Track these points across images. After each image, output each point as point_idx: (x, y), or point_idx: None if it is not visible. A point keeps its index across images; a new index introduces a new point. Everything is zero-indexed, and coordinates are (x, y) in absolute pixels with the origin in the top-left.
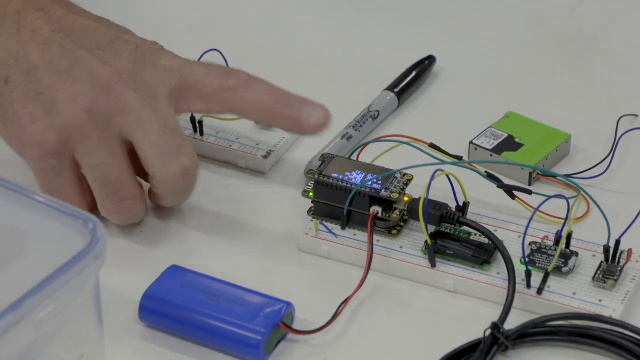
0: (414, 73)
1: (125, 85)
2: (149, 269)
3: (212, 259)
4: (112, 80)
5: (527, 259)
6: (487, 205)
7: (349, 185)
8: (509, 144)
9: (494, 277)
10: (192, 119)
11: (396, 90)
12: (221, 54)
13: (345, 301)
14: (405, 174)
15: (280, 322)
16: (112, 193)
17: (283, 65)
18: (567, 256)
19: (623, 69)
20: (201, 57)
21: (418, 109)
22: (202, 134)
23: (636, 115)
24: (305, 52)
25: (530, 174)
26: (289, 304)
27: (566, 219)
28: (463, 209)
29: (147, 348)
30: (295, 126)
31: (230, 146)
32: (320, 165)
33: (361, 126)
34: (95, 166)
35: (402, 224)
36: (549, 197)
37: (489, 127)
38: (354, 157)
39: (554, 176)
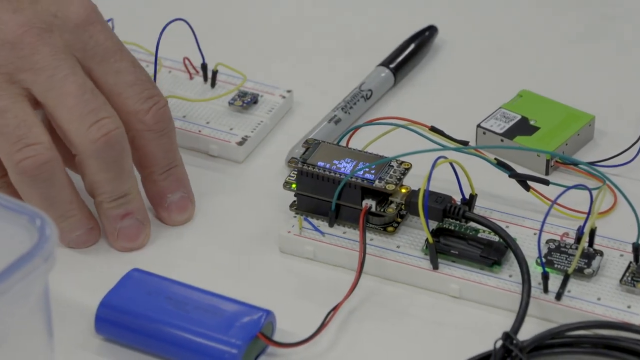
0: (412, 46)
1: (36, 37)
2: (107, 273)
3: (180, 261)
4: (20, 30)
5: (543, 259)
6: (497, 197)
7: (337, 176)
8: (523, 127)
9: (506, 280)
10: None
11: (392, 65)
12: (188, 24)
13: (334, 309)
14: (402, 162)
15: (258, 333)
16: (16, 140)
17: (259, 37)
18: (590, 256)
19: None
20: (166, 26)
21: (417, 87)
22: None
23: None
24: (285, 21)
25: (548, 161)
26: (268, 313)
27: (589, 213)
28: (469, 202)
29: None
30: (156, 204)
31: (200, 131)
32: (304, 153)
33: (351, 107)
34: None
35: (399, 219)
36: (569, 188)
37: (500, 107)
38: (343, 143)
39: (575, 164)
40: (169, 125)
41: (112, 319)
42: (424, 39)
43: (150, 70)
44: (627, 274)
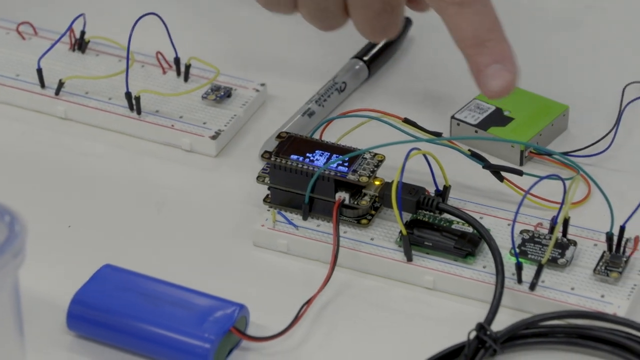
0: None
1: None
2: (79, 270)
3: (152, 256)
4: None
5: (517, 250)
6: (471, 188)
7: (310, 169)
8: (497, 118)
9: (480, 271)
10: (128, 95)
11: (366, 58)
12: (160, 18)
13: (308, 302)
14: (375, 154)
15: (232, 328)
16: None
17: (232, 30)
18: (563, 246)
19: (629, 29)
20: (137, 21)
21: (391, 79)
22: (139, 112)
23: None
24: (258, 14)
25: (522, 152)
26: (241, 307)
27: (562, 203)
28: (443, 193)
29: None
30: (476, 80)
31: (173, 126)
32: (277, 146)
33: (325, 100)
34: None
35: (372, 212)
36: (542, 178)
37: (474, 98)
38: (316, 136)
39: (549, 154)
40: None
41: (84, 316)
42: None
43: (122, 65)
44: (601, 264)
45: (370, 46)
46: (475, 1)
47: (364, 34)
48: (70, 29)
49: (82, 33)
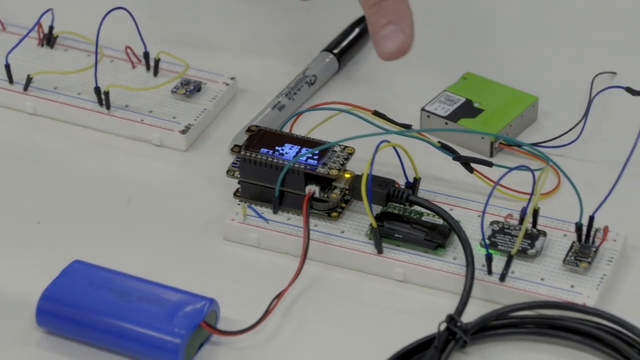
0: (356, 30)
1: None
2: (48, 266)
3: (122, 251)
4: None
5: (487, 241)
6: (441, 180)
7: (280, 162)
8: (467, 110)
9: (450, 263)
10: (97, 90)
11: (336, 51)
12: (129, 12)
13: (278, 296)
14: (345, 147)
15: (202, 322)
16: None
17: (202, 24)
18: (533, 236)
19: (598, 20)
20: (106, 15)
21: (362, 72)
22: (108, 107)
23: (614, 73)
24: (228, 7)
25: (492, 143)
26: (212, 301)
27: (532, 194)
28: (413, 185)
29: (46, 358)
30: (372, 40)
31: (142, 120)
32: (246, 140)
33: (295, 94)
34: None
35: (343, 204)
36: (511, 169)
37: (444, 90)
38: (286, 129)
39: (519, 145)
40: None
41: (54, 312)
42: None
43: (91, 60)
44: (570, 254)
45: (341, 39)
46: None
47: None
48: (38, 23)
49: (51, 28)
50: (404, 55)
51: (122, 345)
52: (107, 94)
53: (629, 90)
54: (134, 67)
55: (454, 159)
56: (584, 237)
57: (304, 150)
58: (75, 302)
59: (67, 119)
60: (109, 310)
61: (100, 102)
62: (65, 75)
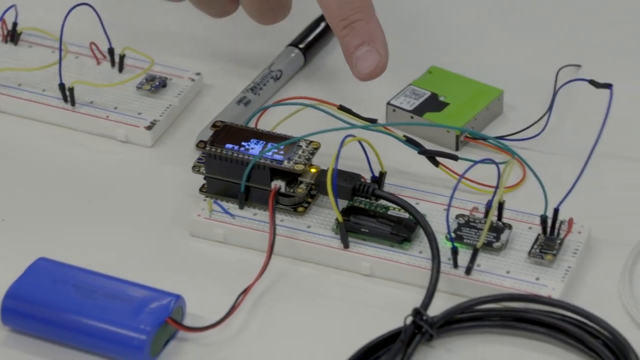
0: (322, 25)
1: None
2: (13, 263)
3: (88, 248)
4: None
5: (453, 235)
6: (407, 174)
7: (245, 157)
8: (432, 104)
9: (416, 256)
10: (62, 86)
11: (301, 45)
12: (93, 8)
13: (245, 291)
14: (310, 142)
15: (168, 318)
16: None
17: (166, 19)
18: (499, 229)
19: (562, 12)
20: (70, 11)
21: (327, 66)
22: (73, 103)
23: (579, 66)
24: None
25: (457, 137)
26: (178, 297)
27: (496, 187)
28: (379, 179)
29: (11, 356)
30: (347, 62)
31: (107, 117)
32: (212, 135)
33: (261, 89)
34: None
35: (309, 199)
36: (476, 162)
37: (409, 84)
38: (251, 124)
39: (484, 139)
40: None
41: (19, 310)
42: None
43: (56, 56)
44: (536, 246)
45: (306, 34)
46: None
47: (254, 19)
48: (1, 20)
49: (14, 24)
50: (381, 74)
51: (88, 343)
52: (71, 90)
53: (593, 82)
54: (98, 63)
55: (419, 152)
56: (549, 229)
57: (269, 145)
58: (40, 299)
59: (32, 115)
60: (74, 308)
61: (65, 99)
62: (30, 71)
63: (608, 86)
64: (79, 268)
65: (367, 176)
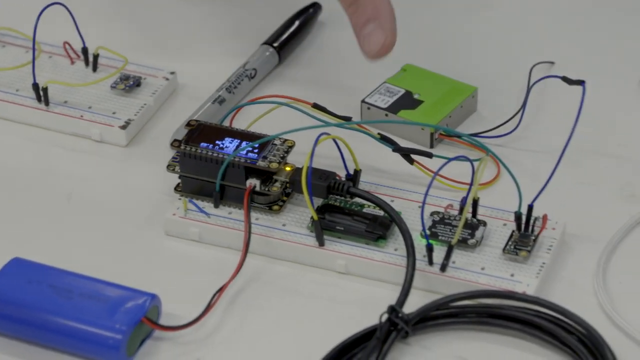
0: (296, 23)
1: None
2: None
3: (63, 248)
4: None
5: (427, 232)
6: (382, 172)
7: (220, 156)
8: (407, 101)
9: (391, 254)
10: (35, 86)
11: (276, 44)
12: (66, 8)
13: (220, 290)
14: (285, 140)
15: (143, 318)
16: None
17: (140, 18)
18: (473, 226)
19: (536, 9)
20: (43, 10)
21: (302, 65)
22: (47, 103)
23: (552, 63)
24: (167, 1)
25: (432, 134)
26: (153, 296)
27: (471, 184)
28: (354, 177)
29: None
30: (357, 41)
31: (82, 116)
32: (186, 134)
33: (235, 87)
34: None
35: (284, 198)
36: (450, 160)
37: (384, 82)
38: (226, 123)
39: (459, 136)
40: None
41: None
42: (307, 16)
43: (29, 56)
44: (510, 243)
45: (280, 32)
46: None
47: None
48: None
49: None
50: (389, 52)
51: (63, 343)
52: (45, 90)
53: (565, 79)
54: (72, 62)
55: (393, 150)
56: (523, 226)
57: (244, 144)
58: (15, 300)
59: (6, 115)
60: (49, 308)
61: (38, 99)
62: (3, 71)
63: (581, 83)
64: (53, 268)
65: (342, 174)
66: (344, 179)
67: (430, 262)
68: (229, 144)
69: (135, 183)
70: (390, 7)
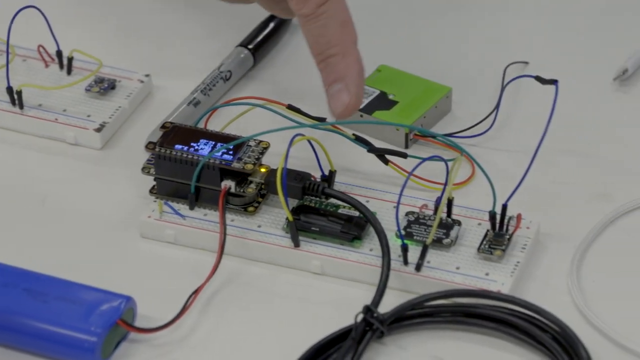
0: (271, 25)
1: None
2: None
3: (38, 251)
4: None
5: (402, 232)
6: (357, 172)
7: (195, 158)
8: (382, 102)
9: (367, 254)
10: (9, 90)
11: (250, 46)
12: (40, 11)
13: (196, 292)
14: (260, 141)
15: (118, 320)
16: None
17: (115, 21)
18: (448, 226)
19: (509, 10)
20: (16, 14)
21: (277, 66)
22: (21, 106)
23: (526, 63)
24: (141, 4)
25: (407, 134)
26: (128, 299)
27: (445, 184)
28: (329, 178)
29: None
30: (325, 94)
31: (56, 119)
32: (161, 137)
33: (210, 89)
34: None
35: (259, 199)
36: (424, 160)
37: None
38: (201, 125)
39: (433, 136)
40: (316, 11)
41: None
42: (282, 18)
43: (2, 59)
44: (485, 242)
45: (255, 34)
46: (320, 15)
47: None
48: None
49: None
50: (353, 113)
51: (39, 346)
52: (19, 93)
53: (538, 79)
54: (47, 66)
55: (368, 151)
56: (497, 225)
57: (218, 145)
58: None
59: None
60: (24, 311)
61: (13, 102)
62: None
63: (553, 82)
64: (28, 271)
65: (317, 175)
66: (319, 179)
67: (406, 262)
68: (204, 146)
69: (110, 186)
70: (359, 67)
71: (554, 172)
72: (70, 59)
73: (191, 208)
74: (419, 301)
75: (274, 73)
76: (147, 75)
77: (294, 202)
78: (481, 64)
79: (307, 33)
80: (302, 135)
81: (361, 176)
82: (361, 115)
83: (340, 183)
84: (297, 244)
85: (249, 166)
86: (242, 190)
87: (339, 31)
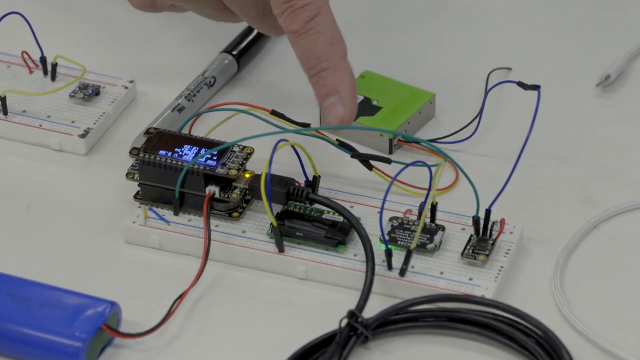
0: (255, 31)
1: None
2: None
3: (23, 256)
4: None
5: (386, 237)
6: (341, 178)
7: (179, 163)
8: (366, 108)
9: (351, 259)
10: None
11: (234, 52)
12: (24, 17)
13: (180, 297)
14: (244, 147)
15: (103, 325)
16: None
17: (99, 27)
18: (432, 231)
19: (493, 16)
20: (0, 20)
21: (261, 72)
22: (5, 112)
23: (509, 69)
24: (126, 10)
25: (391, 140)
26: (113, 304)
27: (429, 189)
28: (313, 183)
29: None
30: (320, 108)
31: (40, 125)
32: (145, 142)
33: (195, 95)
34: None
35: (243, 204)
36: (407, 165)
37: None
38: (185, 131)
39: (417, 142)
40: (305, 26)
41: None
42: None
43: None
44: (468, 247)
45: (239, 40)
46: (309, 30)
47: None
48: None
49: None
50: (348, 125)
51: (23, 351)
52: (3, 99)
53: (521, 84)
54: (31, 72)
55: (352, 156)
56: (481, 230)
57: (203, 151)
58: None
59: None
60: (8, 316)
61: None
62: None
63: (536, 87)
64: (12, 276)
65: (301, 180)
66: (303, 185)
67: (390, 267)
68: (188, 152)
69: (94, 191)
70: (351, 80)
71: (537, 177)
72: (54, 65)
73: (176, 213)
74: (403, 306)
75: (257, 78)
76: (131, 81)
77: (278, 208)
78: (465, 70)
79: (297, 49)
80: (286, 140)
81: (345, 182)
82: None
83: (325, 188)
84: (281, 249)
85: (233, 172)
86: (226, 196)
87: (329, 46)
